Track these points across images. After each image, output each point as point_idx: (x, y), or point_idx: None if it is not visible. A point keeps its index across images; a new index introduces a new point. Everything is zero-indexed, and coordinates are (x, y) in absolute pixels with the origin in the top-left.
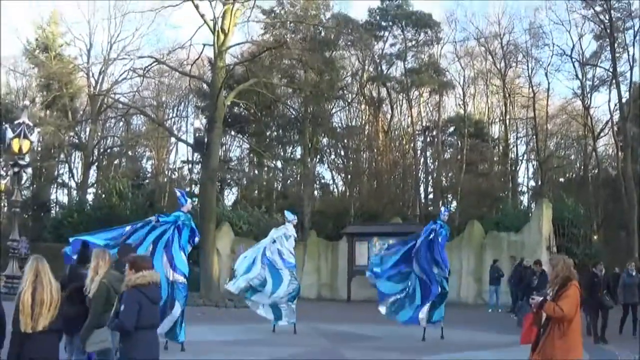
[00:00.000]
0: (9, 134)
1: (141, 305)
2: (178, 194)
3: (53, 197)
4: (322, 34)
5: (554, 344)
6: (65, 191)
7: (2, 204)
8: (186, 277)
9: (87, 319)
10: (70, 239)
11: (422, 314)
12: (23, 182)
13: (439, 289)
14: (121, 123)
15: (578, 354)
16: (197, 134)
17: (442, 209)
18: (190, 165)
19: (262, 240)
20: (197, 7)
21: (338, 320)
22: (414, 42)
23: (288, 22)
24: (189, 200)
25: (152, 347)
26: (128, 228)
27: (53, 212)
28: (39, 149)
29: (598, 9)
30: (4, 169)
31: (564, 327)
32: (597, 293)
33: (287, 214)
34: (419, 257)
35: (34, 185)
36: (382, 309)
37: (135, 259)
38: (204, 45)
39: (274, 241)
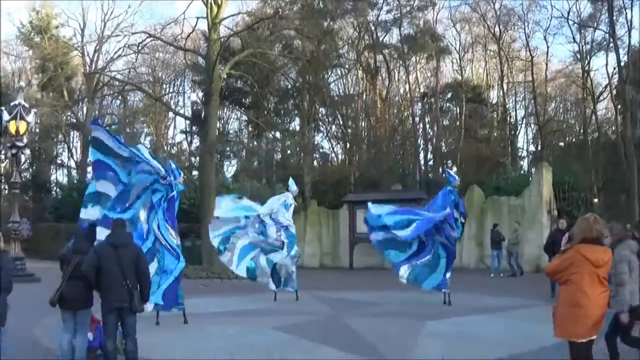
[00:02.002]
0: (5, 116)
1: None
2: (173, 165)
3: (53, 177)
4: (320, 3)
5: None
6: (65, 171)
7: (2, 187)
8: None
9: (90, 295)
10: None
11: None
12: (22, 163)
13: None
14: (118, 101)
15: (561, 329)
16: (194, 107)
17: (453, 174)
18: (189, 138)
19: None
20: None
21: (340, 288)
22: (408, 8)
23: None
24: (182, 173)
25: None
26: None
27: (53, 192)
28: (37, 130)
29: None
30: (2, 151)
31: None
32: None
33: (291, 183)
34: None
35: (34, 167)
36: (402, 279)
37: None
38: (198, 18)
39: (271, 213)
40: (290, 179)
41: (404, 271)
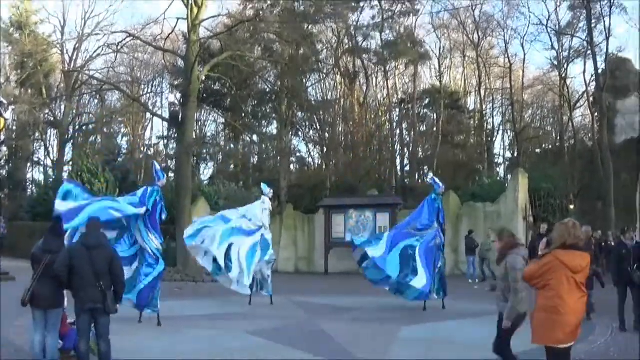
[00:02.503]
0: None
1: None
2: (158, 167)
3: (29, 175)
4: (302, 7)
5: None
6: (41, 169)
7: None
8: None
9: (61, 294)
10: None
11: (422, 283)
12: None
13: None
14: (96, 100)
15: (539, 335)
16: (172, 109)
17: (438, 181)
18: (165, 141)
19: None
20: None
21: (316, 293)
22: (390, 13)
23: None
24: (165, 176)
25: None
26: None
27: (29, 190)
28: (14, 127)
29: None
30: None
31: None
32: (625, 267)
33: (263, 186)
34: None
35: (10, 164)
36: (387, 287)
37: None
38: (178, 19)
39: (244, 216)
40: (262, 183)
41: (387, 287)
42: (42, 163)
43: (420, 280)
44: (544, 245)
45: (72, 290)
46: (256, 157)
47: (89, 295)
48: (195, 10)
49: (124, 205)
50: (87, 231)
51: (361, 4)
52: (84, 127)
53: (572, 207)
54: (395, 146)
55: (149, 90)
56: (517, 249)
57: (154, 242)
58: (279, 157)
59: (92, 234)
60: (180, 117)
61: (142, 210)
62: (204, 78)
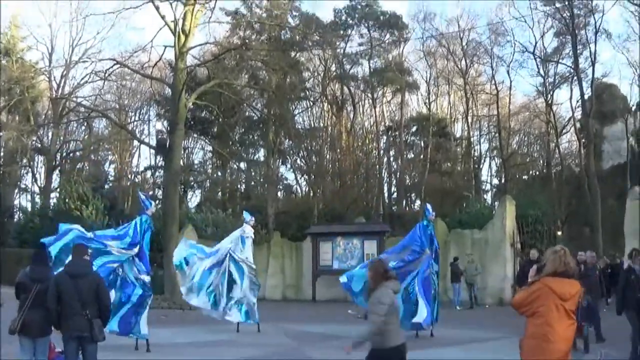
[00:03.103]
0: None
1: None
2: (142, 197)
3: (16, 202)
4: (288, 35)
5: None
6: (28, 196)
7: None
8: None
9: (49, 323)
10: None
11: (422, 317)
12: None
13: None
14: (83, 127)
15: None
16: (159, 136)
17: (429, 207)
18: (152, 169)
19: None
20: (157, 8)
21: (303, 320)
22: (379, 42)
23: (253, 23)
24: (153, 204)
25: None
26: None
27: (16, 217)
28: (2, 154)
29: (559, 5)
30: None
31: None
32: (634, 292)
33: (245, 214)
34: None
35: None
36: None
37: None
38: (165, 47)
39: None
40: (245, 211)
41: None
42: (29, 190)
43: (421, 315)
44: (534, 272)
45: (59, 319)
46: (243, 184)
47: (76, 324)
48: (183, 38)
49: (119, 257)
50: (72, 258)
51: (349, 32)
52: (70, 154)
53: (559, 233)
54: (383, 174)
55: (136, 118)
56: (388, 282)
57: (137, 271)
58: (266, 185)
59: (77, 262)
60: (167, 144)
61: (135, 250)
62: (191, 105)
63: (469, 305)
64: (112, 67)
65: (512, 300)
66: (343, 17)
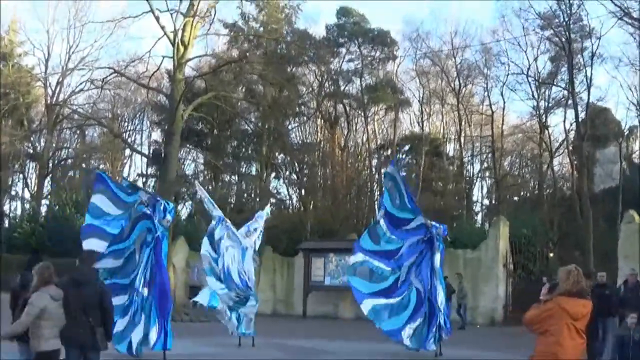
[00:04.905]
0: None
1: None
2: (163, 206)
3: (6, 208)
4: (284, 49)
5: None
6: (19, 203)
7: None
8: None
9: None
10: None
11: (407, 332)
12: None
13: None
14: (76, 135)
15: None
16: (153, 147)
17: (442, 227)
18: (144, 179)
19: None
20: (157, 18)
21: (295, 336)
22: (370, 59)
23: (250, 36)
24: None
25: None
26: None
27: (6, 223)
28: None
29: (556, 29)
30: None
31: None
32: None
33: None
34: (419, 269)
35: None
36: (365, 308)
37: None
38: (163, 57)
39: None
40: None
41: (367, 305)
42: (20, 196)
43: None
44: (546, 290)
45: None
46: (234, 197)
47: (78, 332)
48: (182, 49)
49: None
50: (79, 264)
51: (339, 50)
52: (62, 162)
53: (551, 254)
54: (375, 191)
55: (130, 127)
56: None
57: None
58: (257, 199)
59: (83, 270)
60: (162, 154)
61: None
62: (186, 117)
63: (460, 325)
64: (109, 75)
65: (524, 317)
66: (335, 34)
